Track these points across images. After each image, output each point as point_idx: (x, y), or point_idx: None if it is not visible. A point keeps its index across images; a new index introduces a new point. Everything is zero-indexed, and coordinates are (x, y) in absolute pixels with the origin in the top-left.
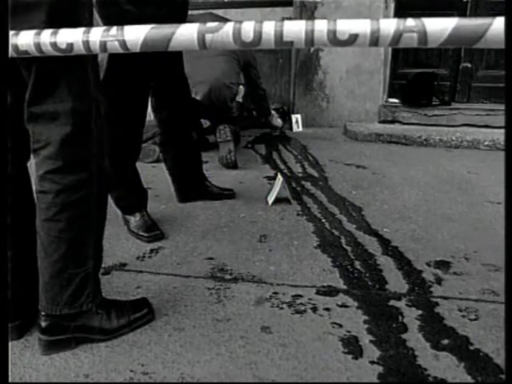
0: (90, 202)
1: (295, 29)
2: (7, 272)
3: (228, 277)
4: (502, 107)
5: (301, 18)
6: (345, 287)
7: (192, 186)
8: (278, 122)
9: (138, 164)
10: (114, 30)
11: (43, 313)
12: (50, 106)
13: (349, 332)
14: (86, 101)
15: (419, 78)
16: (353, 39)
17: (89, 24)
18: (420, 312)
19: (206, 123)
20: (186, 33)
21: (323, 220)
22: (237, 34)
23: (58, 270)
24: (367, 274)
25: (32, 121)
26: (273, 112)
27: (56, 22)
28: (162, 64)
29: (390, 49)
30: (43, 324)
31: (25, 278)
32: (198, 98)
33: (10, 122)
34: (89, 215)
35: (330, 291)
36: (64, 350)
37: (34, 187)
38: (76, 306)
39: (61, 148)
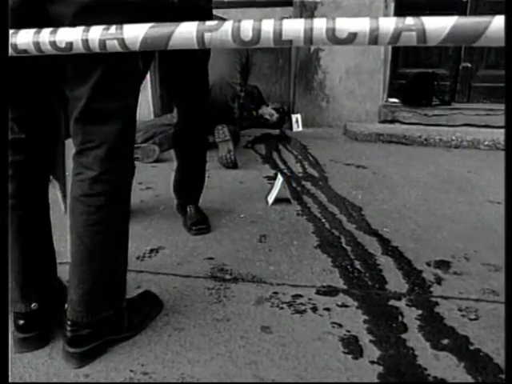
0: (129, 196)
1: (294, 27)
2: (7, 272)
3: (228, 277)
4: (502, 107)
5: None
6: (345, 287)
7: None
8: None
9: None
10: (113, 28)
11: (69, 322)
12: (113, 103)
13: (349, 332)
14: (135, 97)
15: (419, 78)
16: (352, 38)
17: None
18: (420, 312)
19: None
20: (185, 31)
21: (323, 220)
22: (236, 33)
23: (105, 273)
24: (367, 274)
25: (87, 119)
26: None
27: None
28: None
29: (390, 48)
30: (70, 334)
31: (49, 288)
32: None
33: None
34: (129, 209)
35: (330, 291)
36: (99, 356)
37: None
38: (114, 306)
39: (116, 146)
